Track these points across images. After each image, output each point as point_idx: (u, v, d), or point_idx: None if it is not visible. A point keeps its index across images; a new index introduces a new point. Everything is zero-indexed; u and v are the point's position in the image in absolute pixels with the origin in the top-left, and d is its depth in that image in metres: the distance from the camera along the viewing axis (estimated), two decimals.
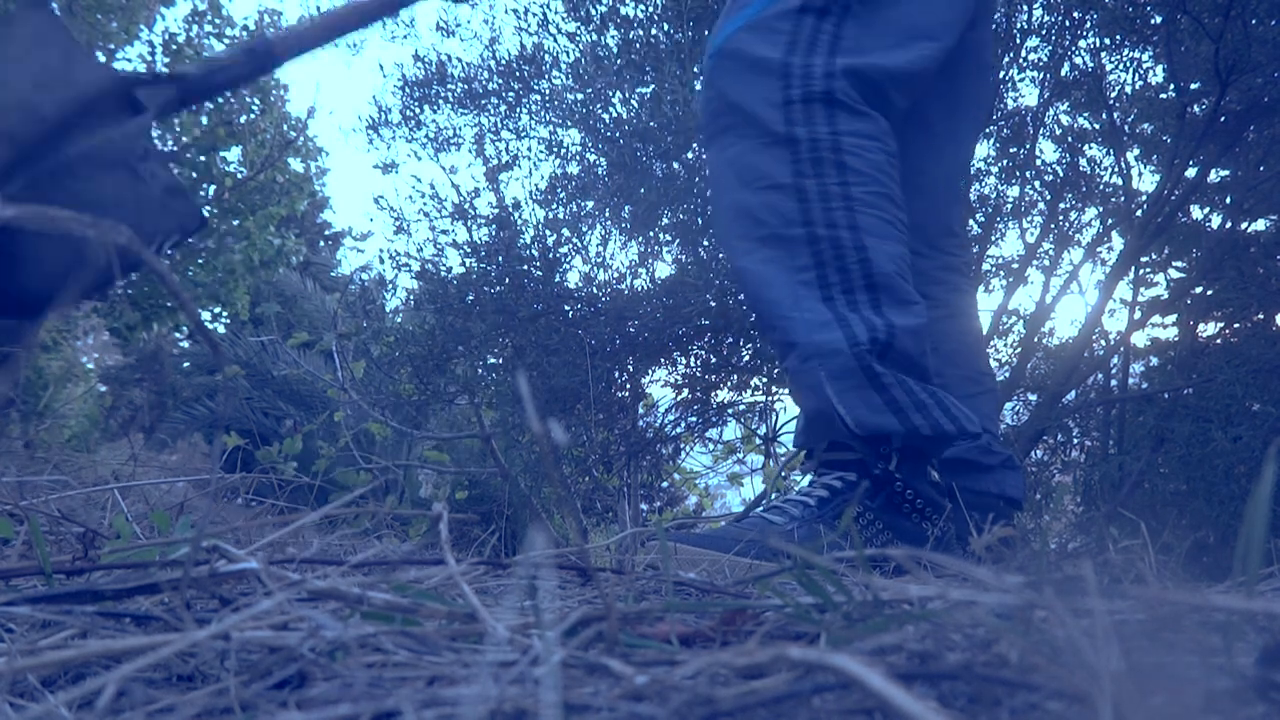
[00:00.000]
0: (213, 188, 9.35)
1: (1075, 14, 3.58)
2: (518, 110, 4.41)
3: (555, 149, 4.41)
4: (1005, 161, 4.10)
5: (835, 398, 1.22)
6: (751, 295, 1.33)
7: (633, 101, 3.90)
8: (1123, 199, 3.93)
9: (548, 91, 4.29)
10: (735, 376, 3.97)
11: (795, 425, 1.32)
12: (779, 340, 1.30)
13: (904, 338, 1.25)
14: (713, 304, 3.60)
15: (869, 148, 1.29)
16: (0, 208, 0.47)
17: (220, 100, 9.33)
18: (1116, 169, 3.97)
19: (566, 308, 3.95)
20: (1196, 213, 3.94)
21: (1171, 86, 3.47)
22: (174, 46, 9.23)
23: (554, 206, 4.31)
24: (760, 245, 1.29)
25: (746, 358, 3.87)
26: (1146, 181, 4.13)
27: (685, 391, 4.12)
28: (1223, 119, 3.23)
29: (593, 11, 4.02)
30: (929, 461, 1.35)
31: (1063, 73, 3.80)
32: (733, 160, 1.32)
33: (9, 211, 0.47)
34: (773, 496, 1.41)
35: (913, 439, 1.26)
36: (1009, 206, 4.21)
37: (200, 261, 9.53)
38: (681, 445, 4.55)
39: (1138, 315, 3.92)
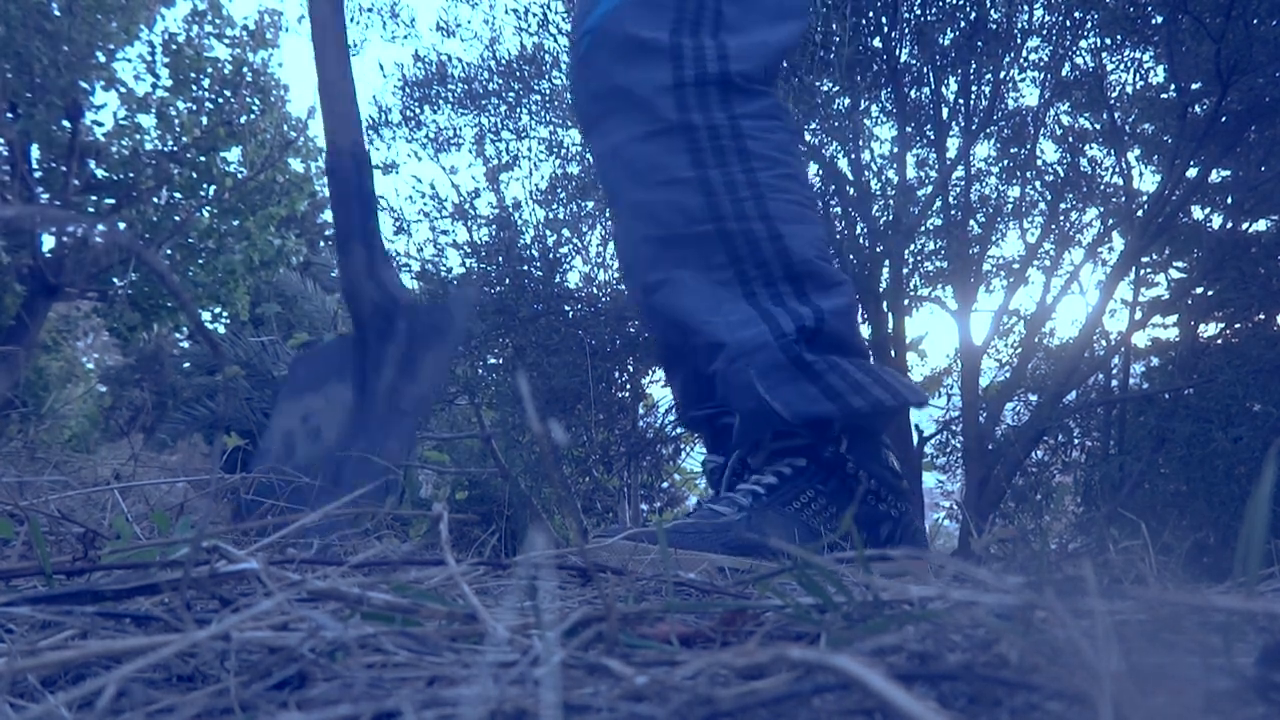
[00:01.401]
0: (213, 188, 9.35)
1: (1076, 14, 3.58)
2: (518, 110, 4.42)
3: (555, 149, 4.42)
4: (1006, 162, 4.10)
5: (767, 393, 1.18)
6: (667, 307, 1.25)
7: None
8: (1123, 199, 3.93)
9: (548, 91, 4.30)
10: None
11: (733, 429, 1.28)
12: (703, 344, 1.24)
13: (833, 320, 1.21)
14: None
15: (770, 128, 1.24)
16: (0, 208, 0.47)
17: (220, 100, 9.34)
18: (1117, 169, 3.97)
19: (566, 308, 3.96)
20: (1197, 213, 3.94)
21: (1172, 87, 3.47)
22: (174, 46, 9.23)
23: (554, 206, 4.31)
24: (666, 249, 1.22)
25: None
26: (1147, 182, 4.13)
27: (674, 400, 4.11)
28: (1224, 119, 3.23)
29: None
30: (880, 440, 1.31)
31: (1063, 73, 3.81)
32: (619, 151, 1.24)
33: (9, 212, 0.47)
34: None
35: (854, 419, 1.22)
36: (1009, 207, 4.21)
37: (200, 261, 9.54)
38: (681, 445, 4.55)
39: (1138, 315, 3.92)
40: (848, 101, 3.75)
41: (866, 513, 1.25)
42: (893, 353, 3.85)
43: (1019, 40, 3.75)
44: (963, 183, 3.99)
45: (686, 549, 1.11)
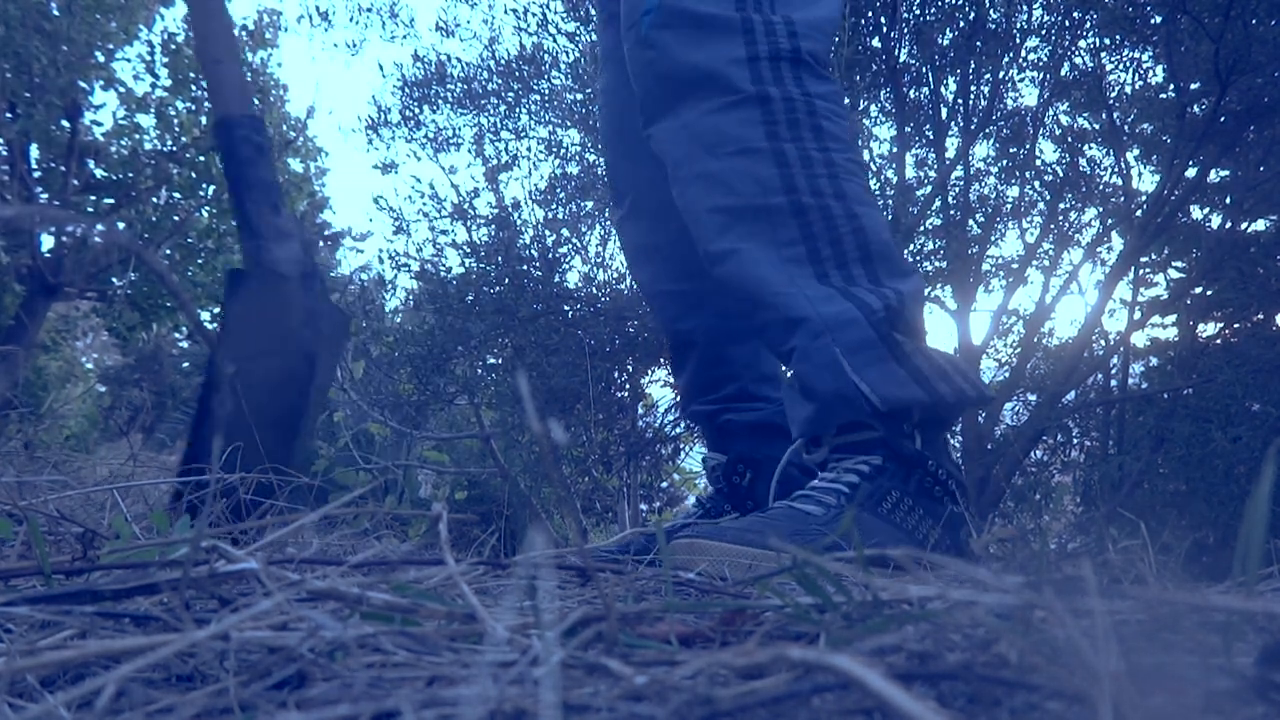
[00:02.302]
0: (212, 188, 9.35)
1: (1075, 14, 3.59)
2: (517, 110, 4.42)
3: (555, 149, 4.42)
4: (1005, 161, 4.10)
5: (855, 373, 1.09)
6: (736, 277, 1.17)
7: None
8: (1122, 199, 3.93)
9: (547, 91, 4.30)
10: None
11: (797, 414, 1.16)
12: (779, 319, 1.14)
13: (910, 304, 1.14)
14: None
15: (839, 112, 1.18)
16: (0, 208, 0.47)
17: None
18: (1116, 169, 3.98)
19: (566, 308, 3.96)
20: (1196, 213, 3.94)
21: (1171, 86, 3.48)
22: (173, 46, 9.23)
23: (554, 206, 4.31)
24: (737, 220, 1.16)
25: None
26: (1146, 181, 4.13)
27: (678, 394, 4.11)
28: (1223, 119, 3.23)
29: (592, 11, 4.02)
30: (948, 433, 1.23)
31: (1063, 73, 3.81)
32: (693, 126, 1.18)
33: (8, 211, 0.47)
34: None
35: (938, 409, 1.14)
36: (1009, 206, 4.21)
37: (200, 261, 9.54)
38: (681, 445, 4.55)
39: (1137, 315, 3.92)
40: (847, 101, 3.75)
41: (948, 515, 1.16)
42: None
43: (1018, 40, 3.75)
44: (962, 182, 3.99)
45: (773, 548, 0.97)
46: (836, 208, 1.14)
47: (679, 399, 1.48)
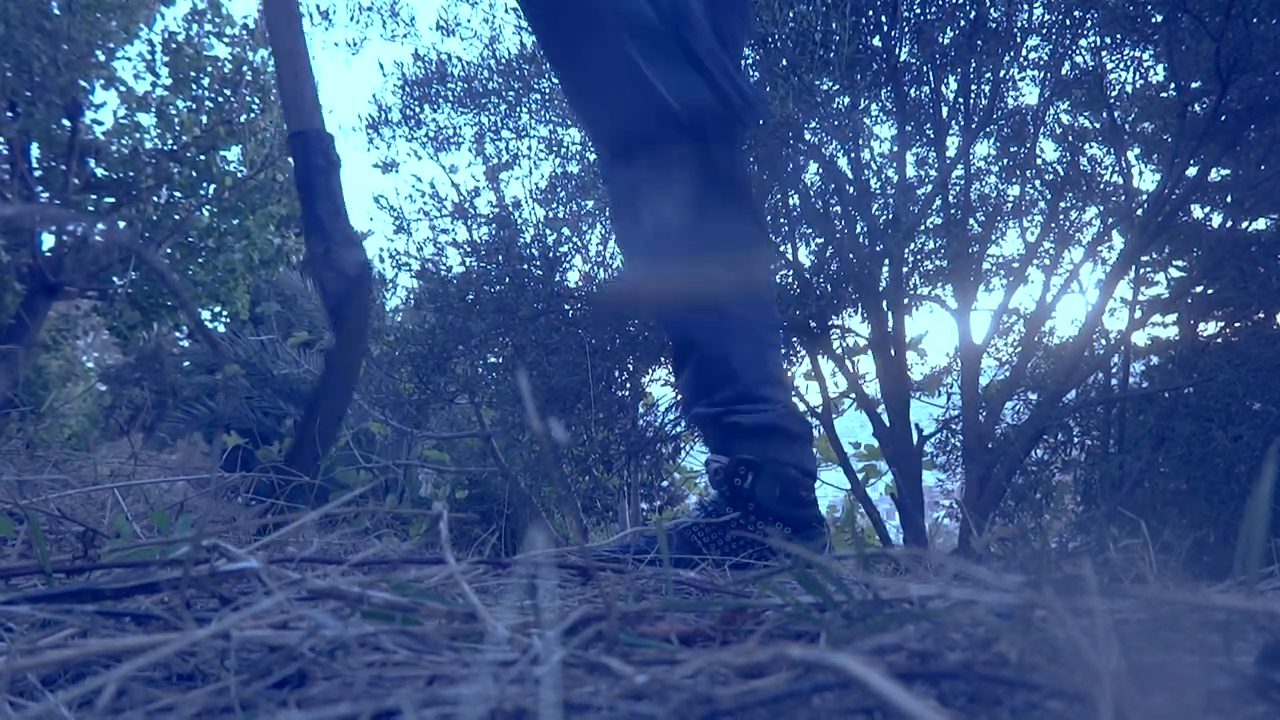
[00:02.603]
0: (213, 187, 9.35)
1: (1076, 13, 3.58)
2: (518, 109, 4.41)
3: (555, 148, 4.41)
4: (1006, 160, 4.10)
5: (649, 69, 1.17)
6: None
7: None
8: (1123, 198, 3.93)
9: (548, 91, 4.29)
10: None
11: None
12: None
13: (721, 20, 1.20)
14: None
15: None
16: (1, 207, 0.47)
17: (220, 99, 9.34)
18: (1117, 168, 3.97)
19: (566, 307, 3.96)
20: (1197, 212, 3.94)
21: (1172, 85, 3.47)
22: (174, 45, 9.23)
23: (554, 206, 4.31)
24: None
25: None
26: (1147, 180, 4.13)
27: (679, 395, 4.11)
28: (1224, 118, 3.23)
29: None
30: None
31: (1063, 72, 3.80)
32: None
33: (9, 210, 0.47)
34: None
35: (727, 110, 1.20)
36: (1009, 205, 4.21)
37: (200, 260, 9.54)
38: (681, 444, 4.55)
39: (1138, 314, 3.92)
40: (847, 100, 3.74)
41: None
42: (892, 351, 3.85)
43: (1019, 39, 3.75)
44: (962, 182, 3.99)
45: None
46: None
47: (680, 401, 1.51)
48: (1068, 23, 3.67)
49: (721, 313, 1.38)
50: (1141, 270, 3.99)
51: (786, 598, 0.54)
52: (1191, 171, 3.47)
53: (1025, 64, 3.87)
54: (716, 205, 1.21)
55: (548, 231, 4.16)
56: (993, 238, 4.19)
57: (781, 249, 3.90)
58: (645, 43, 1.15)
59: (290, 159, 1.41)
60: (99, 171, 9.30)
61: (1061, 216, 4.18)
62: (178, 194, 9.42)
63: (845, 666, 0.33)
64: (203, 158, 9.22)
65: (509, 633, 0.46)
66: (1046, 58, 3.83)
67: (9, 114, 8.37)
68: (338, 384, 1.35)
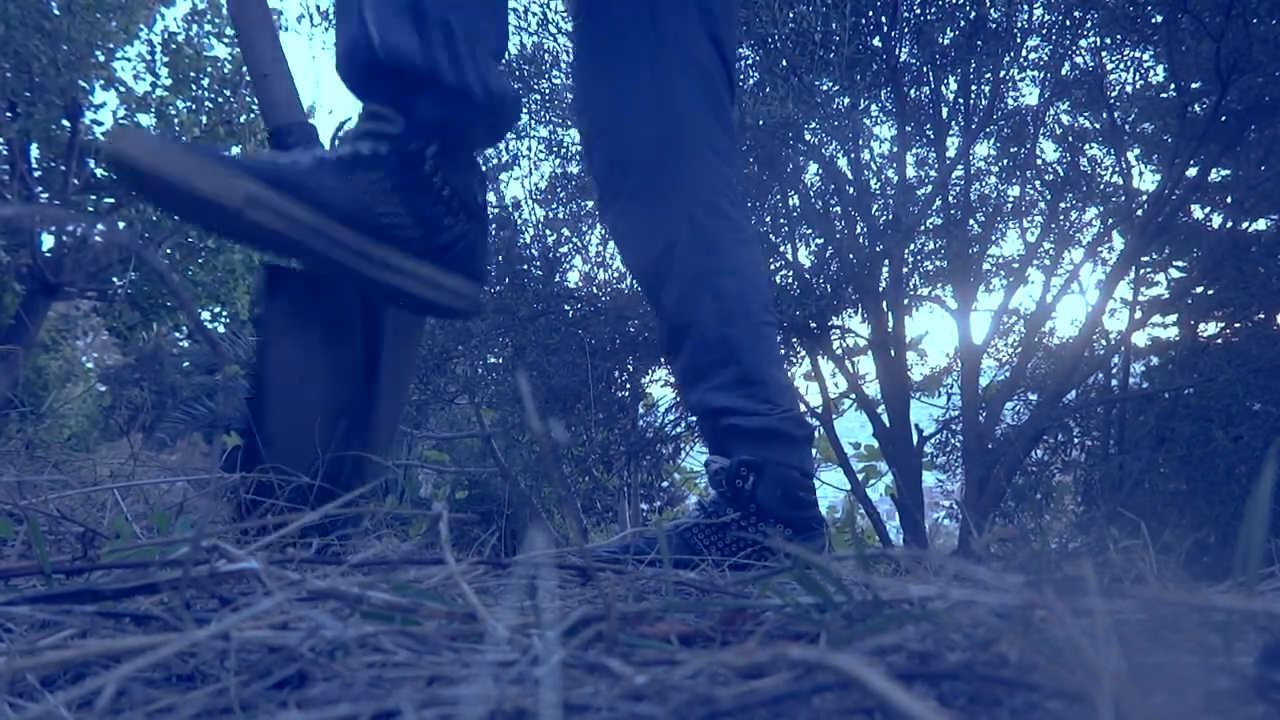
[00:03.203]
0: None
1: (1076, 13, 3.59)
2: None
3: (555, 148, 4.42)
4: (1006, 161, 4.10)
5: (371, 15, 1.09)
6: None
7: None
8: (1123, 198, 3.93)
9: (548, 91, 4.29)
10: None
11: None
12: None
13: None
14: None
15: None
16: (1, 207, 0.47)
17: (219, 99, 9.34)
18: (1117, 168, 3.97)
19: (566, 307, 3.96)
20: (1197, 212, 3.94)
21: (1172, 86, 3.48)
22: (173, 45, 9.23)
23: (554, 206, 4.31)
24: None
25: None
26: (1147, 181, 4.13)
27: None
28: (1224, 118, 3.23)
29: None
30: (473, 160, 1.24)
31: (1063, 72, 3.80)
32: None
33: (8, 211, 0.47)
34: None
35: (452, 95, 1.13)
36: (1009, 206, 4.21)
37: (200, 261, 9.54)
38: (681, 445, 4.55)
39: (1138, 315, 3.92)
40: (847, 101, 3.75)
41: (430, 217, 1.17)
42: (892, 352, 3.85)
43: (1019, 39, 3.75)
44: (962, 182, 3.99)
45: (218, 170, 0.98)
46: None
47: (677, 386, 1.47)
48: (1068, 23, 3.67)
49: (717, 292, 1.36)
50: (1141, 271, 3.99)
51: (786, 598, 0.54)
52: (1191, 172, 3.47)
53: (1025, 64, 3.87)
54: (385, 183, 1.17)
55: (548, 232, 4.16)
56: (993, 238, 4.19)
57: (781, 249, 3.91)
58: None
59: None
60: (99, 172, 9.30)
61: (1061, 217, 4.18)
62: None
63: (845, 667, 0.33)
64: None
65: (509, 633, 0.46)
66: (1046, 58, 3.83)
67: (9, 114, 8.37)
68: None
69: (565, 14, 4.18)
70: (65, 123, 8.71)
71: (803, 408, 3.96)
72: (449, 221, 1.18)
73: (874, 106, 3.96)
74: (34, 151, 8.99)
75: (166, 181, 0.94)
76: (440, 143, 1.17)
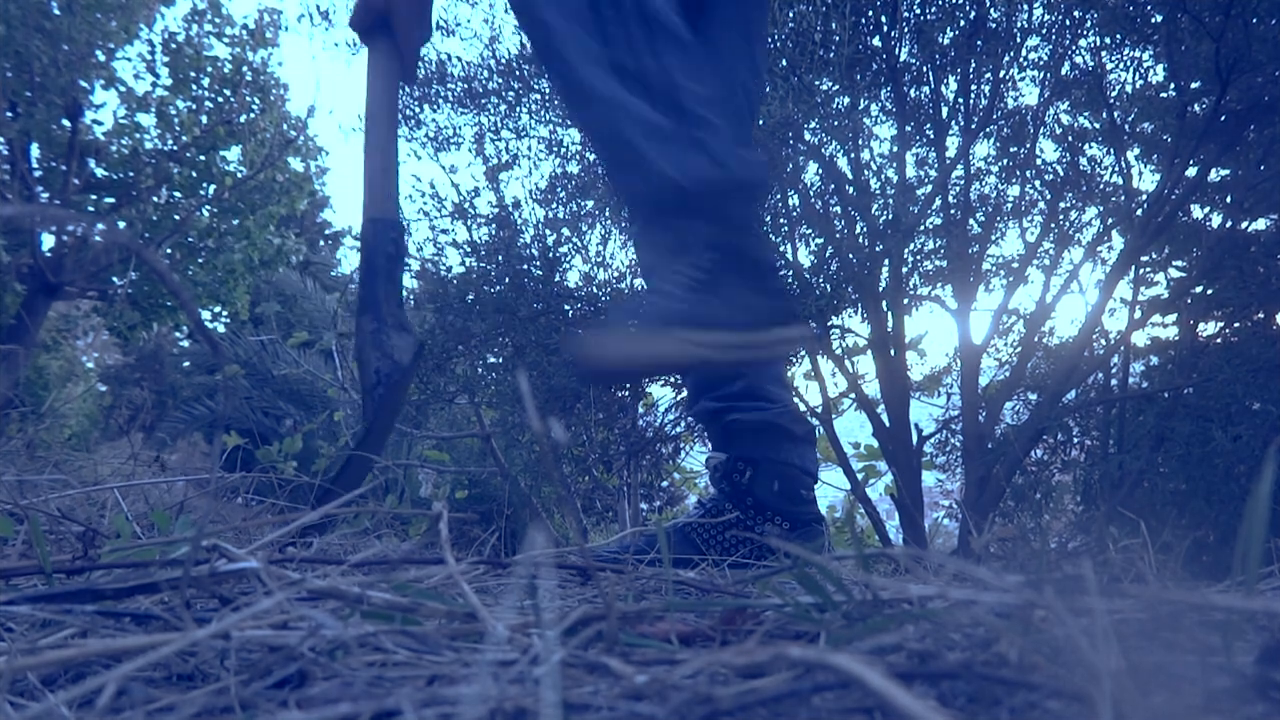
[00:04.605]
0: (213, 187, 9.35)
1: (1075, 13, 3.59)
2: (518, 109, 4.42)
3: (555, 148, 4.42)
4: (1005, 161, 4.10)
5: (650, 148, 1.17)
6: (535, 38, 1.28)
7: None
8: (1123, 198, 3.93)
9: (547, 91, 4.30)
10: None
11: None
12: (557, 78, 1.25)
13: (686, 89, 1.19)
14: None
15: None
16: (1, 207, 0.47)
17: (220, 99, 9.34)
18: (1117, 168, 3.97)
19: (566, 307, 3.96)
20: (1197, 212, 3.94)
21: (1172, 85, 3.48)
22: (173, 45, 9.23)
23: (554, 206, 4.31)
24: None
25: None
26: (1147, 181, 4.13)
27: (685, 391, 4.11)
28: (1223, 118, 3.23)
29: None
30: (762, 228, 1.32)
31: (1063, 72, 3.80)
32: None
33: (9, 210, 0.47)
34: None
35: (738, 187, 1.20)
36: (1009, 206, 4.21)
37: (200, 261, 9.54)
38: (681, 445, 4.55)
39: (1138, 314, 3.92)
40: (847, 101, 3.74)
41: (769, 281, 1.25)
42: (892, 352, 3.85)
43: (1018, 39, 3.74)
44: (962, 182, 3.99)
45: (633, 328, 1.10)
46: None
47: (686, 396, 1.54)
48: (1067, 23, 3.67)
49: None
50: (1141, 270, 3.99)
51: (786, 598, 0.54)
52: (1191, 172, 3.47)
53: (1025, 64, 3.87)
54: (730, 281, 1.23)
55: (547, 232, 4.16)
56: (992, 238, 4.19)
57: (781, 249, 3.91)
58: (643, 126, 1.18)
59: (360, 242, 1.47)
60: (99, 172, 9.30)
61: (1061, 217, 4.18)
62: (177, 194, 9.42)
63: (845, 666, 0.33)
64: (203, 158, 9.22)
65: (509, 633, 0.46)
66: (1046, 58, 3.83)
67: (9, 114, 8.37)
68: (361, 458, 1.37)
69: None
70: (65, 123, 8.71)
71: (803, 407, 3.96)
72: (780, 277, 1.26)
73: (874, 106, 3.95)
74: (34, 151, 8.98)
75: (631, 371, 1.01)
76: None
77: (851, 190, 3.73)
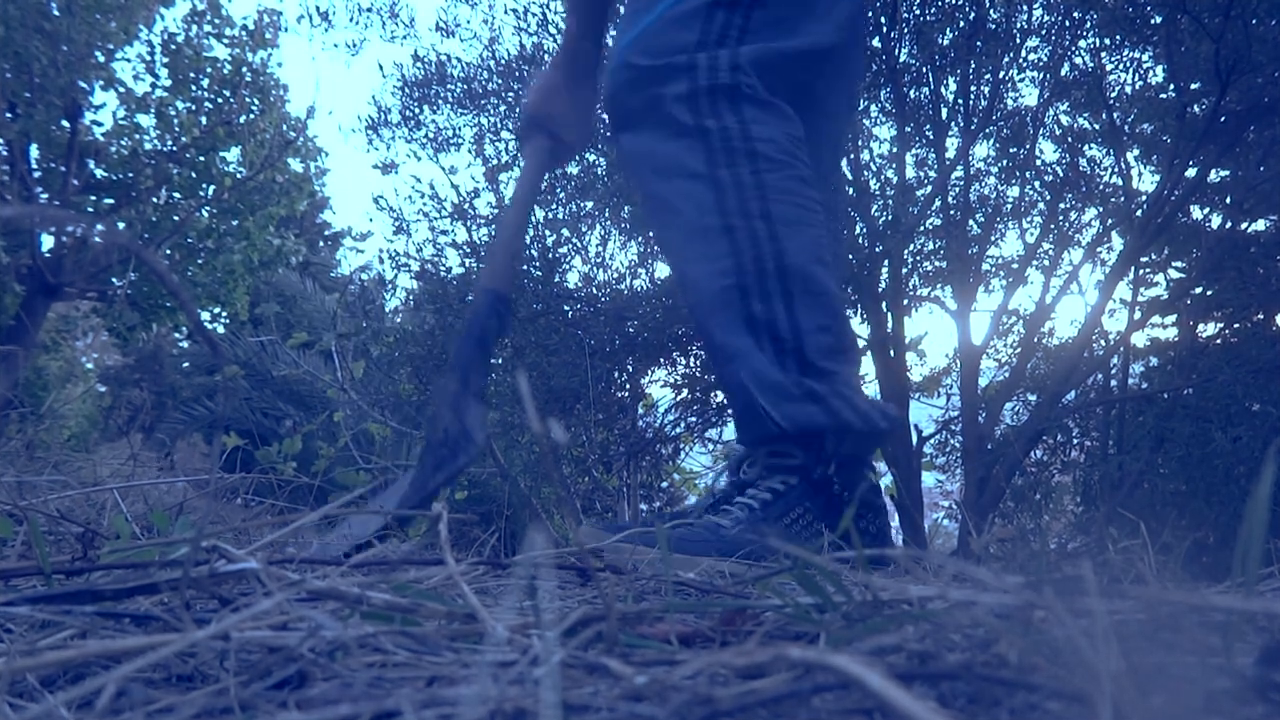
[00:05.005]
0: (212, 188, 9.35)
1: (1075, 14, 3.58)
2: (518, 110, 4.41)
3: None
4: (1005, 161, 4.10)
5: (761, 397, 1.26)
6: (683, 292, 1.37)
7: None
8: (1123, 199, 3.93)
9: None
10: None
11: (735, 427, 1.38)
12: (707, 341, 1.34)
13: (811, 338, 1.28)
14: None
15: (777, 136, 1.31)
16: (0, 208, 0.47)
17: (219, 100, 9.34)
18: (1116, 169, 3.97)
19: (566, 308, 3.96)
20: (1196, 213, 3.94)
21: (1171, 86, 3.48)
22: (173, 46, 9.23)
23: (554, 206, 4.31)
24: (681, 241, 1.31)
25: None
26: (1146, 181, 4.13)
27: (685, 391, 4.12)
28: (1223, 119, 3.23)
29: None
30: (865, 463, 1.39)
31: (1063, 73, 3.80)
32: (644, 150, 1.35)
33: (8, 211, 0.47)
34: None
35: (846, 436, 1.29)
36: (1009, 206, 4.21)
37: (200, 261, 9.54)
38: (681, 445, 4.55)
39: (1138, 315, 3.92)
40: None
41: (838, 520, 1.33)
42: (892, 352, 3.85)
43: (1018, 40, 3.75)
44: (962, 183, 3.99)
45: (684, 553, 1.16)
46: (762, 230, 1.28)
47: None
48: (1067, 24, 3.67)
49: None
50: (1141, 271, 3.99)
51: (786, 599, 0.54)
52: (1191, 173, 3.47)
53: (1025, 65, 3.87)
54: (797, 513, 1.32)
55: (547, 232, 4.16)
56: (992, 239, 4.19)
57: None
58: (762, 379, 1.27)
59: (470, 307, 1.54)
60: (98, 172, 9.30)
61: (1061, 218, 4.18)
62: (177, 195, 9.42)
63: (845, 667, 0.33)
64: (202, 159, 9.22)
65: (508, 633, 0.46)
66: (1046, 59, 3.83)
67: (9, 115, 8.37)
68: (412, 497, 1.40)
69: (564, 14, 4.18)
70: (65, 123, 8.71)
71: None
72: (861, 524, 1.35)
73: (873, 107, 3.96)
74: (34, 152, 8.98)
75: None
76: (836, 461, 1.32)
77: (851, 191, 3.73)
